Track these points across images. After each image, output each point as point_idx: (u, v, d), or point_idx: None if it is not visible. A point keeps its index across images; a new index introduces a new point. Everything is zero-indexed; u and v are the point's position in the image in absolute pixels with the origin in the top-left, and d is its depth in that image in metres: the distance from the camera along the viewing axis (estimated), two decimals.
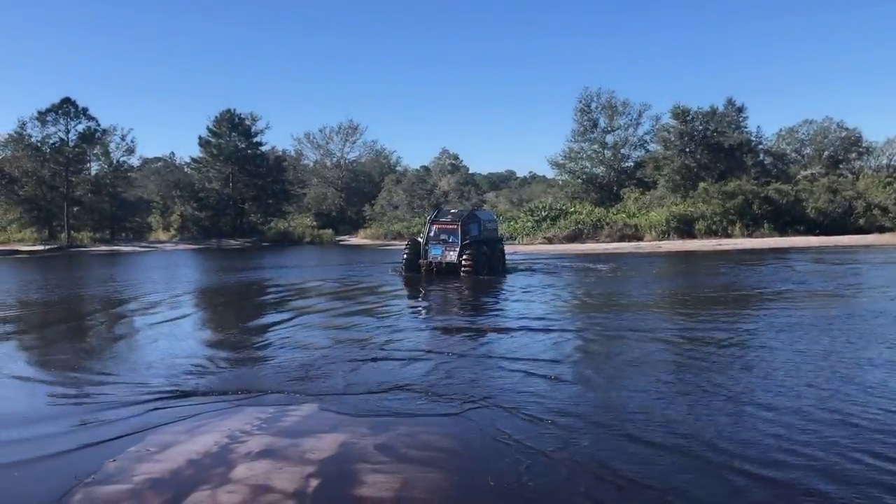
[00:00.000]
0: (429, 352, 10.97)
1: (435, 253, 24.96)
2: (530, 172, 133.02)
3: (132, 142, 69.21)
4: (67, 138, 64.69)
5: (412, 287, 22.68)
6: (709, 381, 8.84)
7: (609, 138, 72.37)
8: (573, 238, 54.86)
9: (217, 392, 8.59)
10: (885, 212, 57.16)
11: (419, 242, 25.71)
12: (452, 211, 27.15)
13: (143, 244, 63.03)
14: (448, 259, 24.72)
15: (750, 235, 52.95)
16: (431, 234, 25.30)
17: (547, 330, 12.79)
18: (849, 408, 7.50)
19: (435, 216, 26.01)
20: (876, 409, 7.45)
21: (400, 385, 8.70)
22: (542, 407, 7.68)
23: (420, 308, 18.38)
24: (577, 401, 8.04)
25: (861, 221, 56.54)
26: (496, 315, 15.72)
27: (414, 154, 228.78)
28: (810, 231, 54.02)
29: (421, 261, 25.03)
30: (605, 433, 6.83)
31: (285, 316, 15.60)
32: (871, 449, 6.30)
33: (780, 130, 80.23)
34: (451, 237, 25.04)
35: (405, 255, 25.71)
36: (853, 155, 76.33)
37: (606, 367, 9.74)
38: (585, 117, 72.52)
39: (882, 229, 54.94)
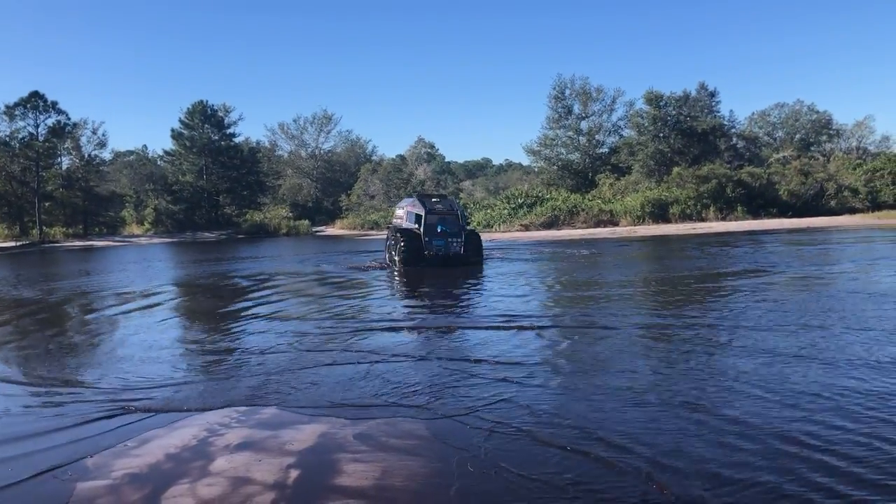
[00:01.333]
0: (404, 354, 10.85)
1: (439, 244, 24.47)
2: (506, 160, 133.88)
3: (103, 135, 68.25)
4: (37, 132, 63.65)
5: (394, 279, 22.63)
6: (663, 385, 8.42)
7: (584, 125, 72.79)
8: (550, 224, 55.12)
9: (186, 409, 8.32)
10: (855, 193, 58.13)
11: (417, 234, 24.66)
12: (435, 199, 26.52)
13: (118, 238, 62.27)
14: (454, 250, 24.55)
15: (724, 219, 53.59)
16: (429, 224, 24.68)
17: (519, 327, 12.22)
18: (811, 414, 6.97)
19: (426, 206, 25.18)
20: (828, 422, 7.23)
21: (374, 393, 8.27)
22: (479, 417, 7.13)
23: (402, 302, 18.27)
24: (525, 407, 7.52)
25: (832, 203, 57.48)
26: (475, 309, 15.70)
27: (389, 143, 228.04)
28: (783, 213, 54.85)
29: (426, 253, 24.29)
30: (526, 437, 6.48)
31: (260, 323, 14.37)
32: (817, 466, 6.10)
33: (753, 114, 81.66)
34: (448, 227, 24.81)
35: (403, 248, 24.24)
36: (824, 137, 77.70)
37: (570, 367, 9.24)
38: (560, 104, 72.85)
39: (853, 210, 55.90)
